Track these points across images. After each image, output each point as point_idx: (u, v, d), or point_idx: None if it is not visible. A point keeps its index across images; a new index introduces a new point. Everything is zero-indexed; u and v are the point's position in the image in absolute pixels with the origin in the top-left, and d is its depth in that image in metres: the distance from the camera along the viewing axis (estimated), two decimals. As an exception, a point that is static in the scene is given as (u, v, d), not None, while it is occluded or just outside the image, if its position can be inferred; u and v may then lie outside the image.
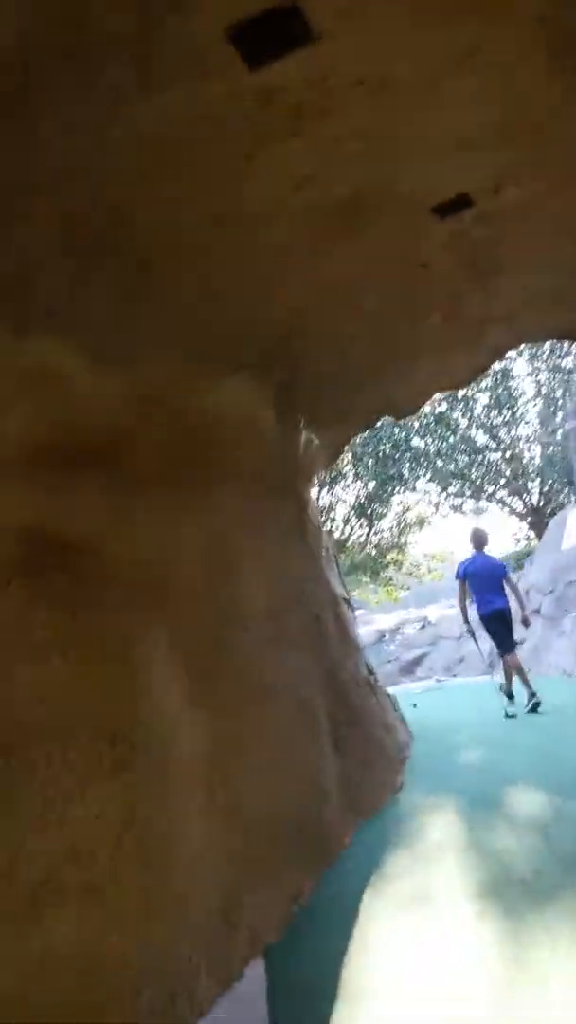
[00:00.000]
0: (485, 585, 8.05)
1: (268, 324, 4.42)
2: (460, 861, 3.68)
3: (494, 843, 3.86)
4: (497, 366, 21.76)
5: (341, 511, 22.87)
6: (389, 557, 22.91)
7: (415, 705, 8.65)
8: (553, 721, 6.80)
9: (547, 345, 21.06)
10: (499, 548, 23.10)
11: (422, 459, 22.37)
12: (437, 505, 24.23)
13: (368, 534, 22.68)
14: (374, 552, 22.68)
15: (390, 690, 9.32)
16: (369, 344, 5.16)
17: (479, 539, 8.35)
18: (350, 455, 20.88)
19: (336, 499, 22.17)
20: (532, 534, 23.71)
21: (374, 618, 26.40)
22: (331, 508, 22.10)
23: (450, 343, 5.73)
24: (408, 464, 22.51)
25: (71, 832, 2.43)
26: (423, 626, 15.82)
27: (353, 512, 21.83)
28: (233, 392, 4.75)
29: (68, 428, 3.61)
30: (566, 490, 22.07)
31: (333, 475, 20.86)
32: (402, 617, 20.94)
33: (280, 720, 4.06)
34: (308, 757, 4.16)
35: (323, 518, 21.41)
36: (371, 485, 21.70)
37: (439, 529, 23.96)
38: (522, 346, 21.37)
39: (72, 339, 3.47)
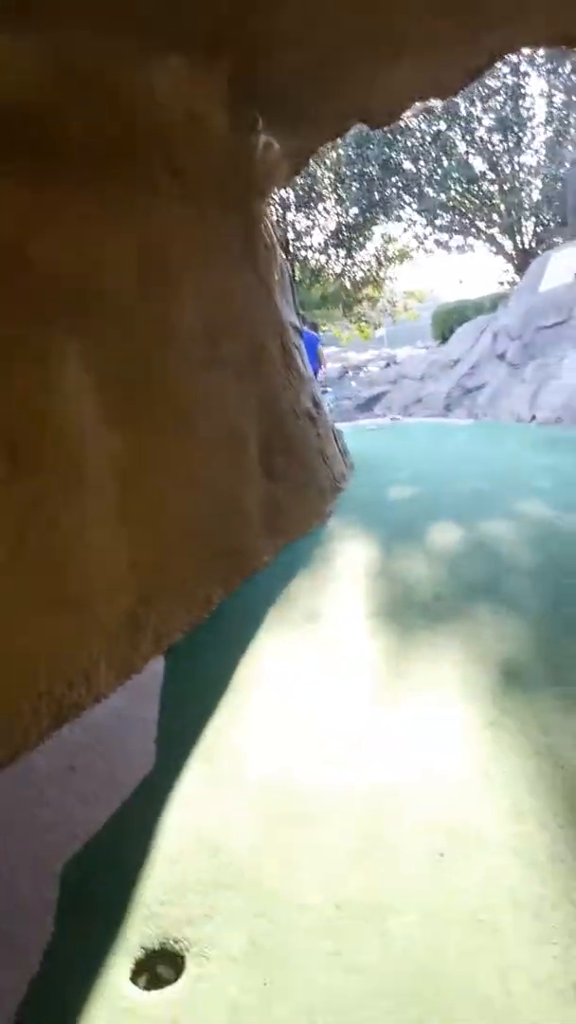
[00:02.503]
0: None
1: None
2: (367, 585, 3.98)
3: (404, 570, 4.15)
4: (510, 79, 19.21)
5: (318, 237, 21.53)
6: (364, 292, 22.05)
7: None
8: (493, 464, 7.02)
9: (569, 64, 18.45)
10: (480, 290, 22.30)
11: (411, 185, 20.52)
12: (422, 239, 22.74)
13: (345, 266, 21.58)
14: (349, 286, 21.77)
15: (343, 426, 9.53)
16: (341, 31, 4.41)
17: None
18: (332, 175, 19.11)
19: (313, 223, 20.72)
20: (518, 278, 22.76)
21: (345, 355, 26.13)
22: (307, 233, 20.74)
23: (435, 38, 4.92)
24: (395, 190, 20.73)
25: None
26: (387, 364, 15.67)
27: (330, 240, 20.52)
28: (172, 77, 4.14)
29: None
30: (560, 234, 20.74)
31: (312, 196, 19.29)
32: (371, 356, 20.67)
33: (205, 442, 4.11)
34: (231, 479, 4.29)
35: (296, 243, 20.17)
36: (353, 211, 20.17)
37: (421, 266, 22.67)
38: (540, 58, 18.71)
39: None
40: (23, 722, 2.56)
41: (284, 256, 6.68)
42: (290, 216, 19.84)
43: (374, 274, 21.69)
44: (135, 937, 1.81)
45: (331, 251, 21.17)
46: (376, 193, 19.48)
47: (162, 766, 2.53)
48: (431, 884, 1.90)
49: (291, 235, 20.11)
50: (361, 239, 21.02)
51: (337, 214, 20.46)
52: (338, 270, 21.56)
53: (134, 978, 1.71)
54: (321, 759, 2.49)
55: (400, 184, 20.11)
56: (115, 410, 3.54)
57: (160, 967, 1.73)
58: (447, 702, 2.75)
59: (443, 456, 7.58)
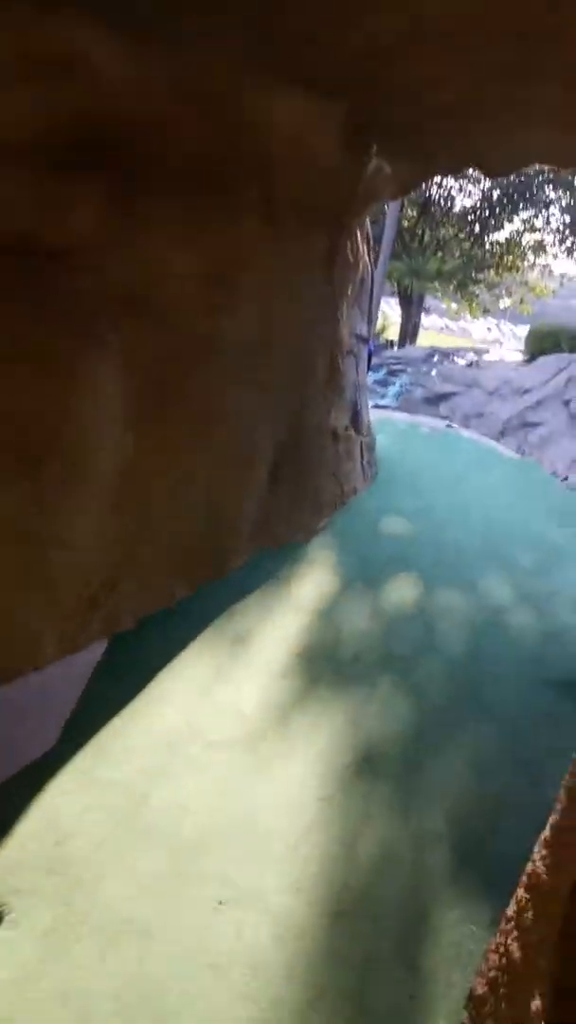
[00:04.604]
0: None
1: (347, 50, 3.87)
2: (305, 622, 4.41)
3: (346, 617, 4.55)
4: None
5: (459, 204, 20.98)
6: (484, 275, 21.57)
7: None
8: (502, 517, 7.20)
9: None
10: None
11: (559, 182, 19.65)
12: (563, 236, 21.90)
13: (474, 244, 21.05)
14: (471, 262, 21.29)
15: (404, 418, 9.73)
16: (470, 89, 4.49)
17: None
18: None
19: (460, 189, 20.13)
20: None
21: (447, 325, 25.65)
22: (447, 198, 20.22)
23: (570, 120, 4.95)
24: (541, 179, 19.88)
25: None
26: (470, 364, 15.54)
27: (468, 213, 19.99)
28: (289, 108, 4.34)
29: (88, 116, 3.47)
30: None
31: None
32: (462, 344, 20.40)
33: (215, 451, 4.51)
34: (230, 488, 4.70)
35: (434, 207, 19.65)
36: (495, 193, 19.52)
37: (549, 263, 21.87)
38: None
39: (106, 18, 3.20)
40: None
41: (368, 266, 6.83)
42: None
43: (500, 259, 21.14)
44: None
45: (465, 226, 20.65)
46: (521, 177, 18.74)
47: (61, 748, 3.08)
48: (205, 926, 2.42)
49: (433, 191, 19.66)
50: (498, 222, 20.41)
51: (481, 191, 19.84)
52: (466, 247, 21.07)
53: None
54: (184, 786, 3.01)
55: (550, 176, 19.25)
56: (137, 413, 3.94)
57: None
58: (297, 764, 3.23)
59: (463, 492, 7.78)
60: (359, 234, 6.31)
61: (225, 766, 3.12)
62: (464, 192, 19.94)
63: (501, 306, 23.68)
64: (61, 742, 3.12)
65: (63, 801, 2.81)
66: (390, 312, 27.25)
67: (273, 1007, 2.13)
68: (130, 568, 3.99)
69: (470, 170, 6.79)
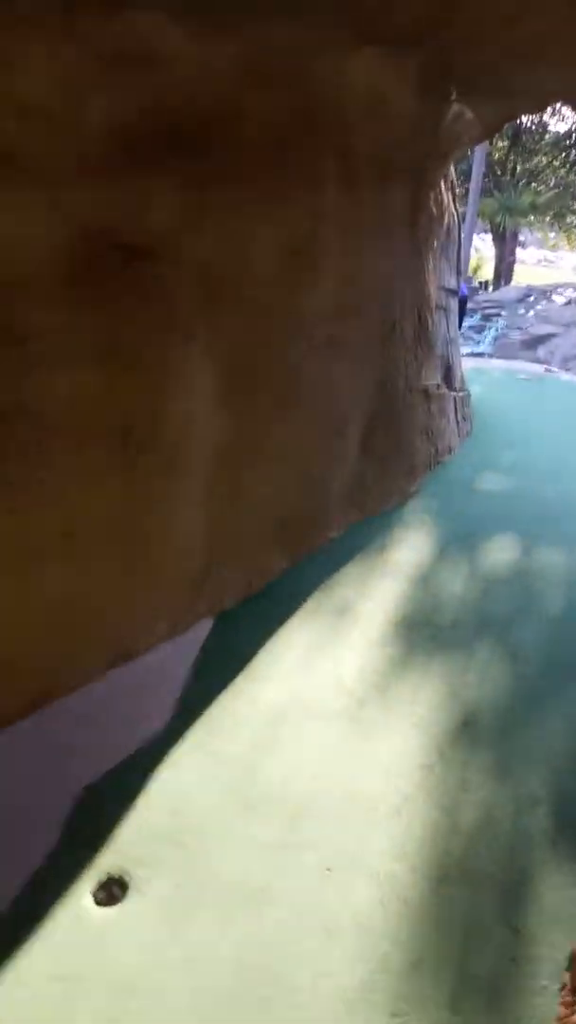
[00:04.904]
0: None
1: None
2: (403, 590, 4.43)
3: (443, 582, 4.54)
4: None
5: (552, 129, 19.70)
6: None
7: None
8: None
9: None
10: None
11: None
12: None
13: (570, 170, 19.76)
14: (567, 190, 20.05)
15: (500, 364, 9.47)
16: (540, 38, 4.25)
17: None
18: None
19: (550, 115, 18.90)
20: None
21: (545, 257, 24.32)
22: (540, 128, 19.02)
23: None
24: None
25: (68, 513, 3.21)
26: (569, 302, 14.72)
27: (561, 141, 18.75)
28: (363, 67, 4.24)
29: (162, 110, 3.50)
30: None
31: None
32: (561, 280, 19.32)
33: (303, 424, 4.55)
34: (321, 459, 4.75)
35: (524, 136, 18.55)
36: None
37: None
38: None
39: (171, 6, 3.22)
40: (85, 662, 3.38)
41: (455, 215, 6.61)
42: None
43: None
44: (104, 864, 2.61)
45: (560, 152, 19.41)
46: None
47: (174, 725, 3.27)
48: (315, 890, 2.58)
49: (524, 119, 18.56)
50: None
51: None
52: (562, 174, 19.84)
53: (95, 892, 2.52)
54: (290, 757, 3.16)
55: None
56: (226, 394, 4.04)
57: (115, 888, 2.54)
58: (398, 733, 3.32)
59: (565, 442, 7.49)
60: (443, 184, 6.10)
61: (328, 736, 3.25)
62: (558, 115, 18.70)
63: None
64: (175, 718, 3.32)
65: (179, 774, 3.00)
66: (484, 249, 26.10)
67: (382, 968, 2.25)
68: (230, 549, 4.13)
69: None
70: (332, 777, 3.03)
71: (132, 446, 3.44)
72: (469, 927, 2.42)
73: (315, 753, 3.16)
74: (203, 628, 3.93)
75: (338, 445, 4.88)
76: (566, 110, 18.55)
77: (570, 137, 18.79)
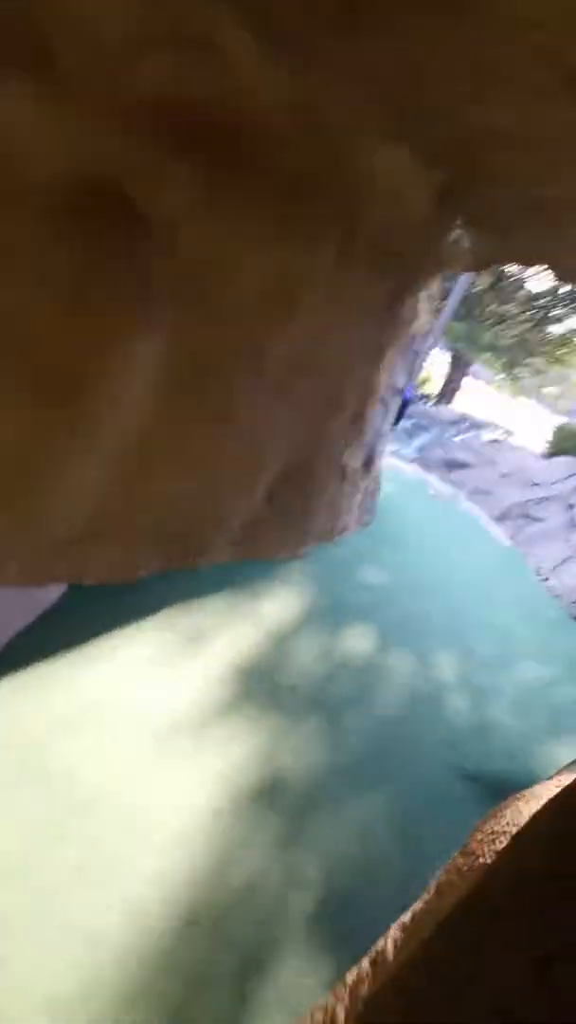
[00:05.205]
0: None
1: (461, 127, 4.02)
2: (269, 637, 4.55)
3: (288, 664, 4.59)
4: None
5: (531, 286, 21.21)
6: (532, 361, 21.85)
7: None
8: (471, 618, 7.29)
9: None
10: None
11: None
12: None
13: (532, 331, 21.30)
14: (524, 344, 21.55)
15: (413, 474, 9.86)
16: (559, 201, 4.66)
17: None
18: None
19: (526, 276, 20.39)
20: None
21: (487, 393, 25.85)
22: (517, 280, 20.46)
23: None
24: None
25: None
26: (493, 441, 15.73)
27: (532, 299, 20.24)
28: (394, 161, 4.48)
29: (205, 100, 3.57)
30: None
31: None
32: (493, 418, 20.66)
33: (227, 448, 4.58)
34: (231, 485, 4.76)
35: (507, 278, 19.89)
36: (561, 290, 19.81)
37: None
38: None
39: (247, 15, 3.30)
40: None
41: (425, 325, 6.98)
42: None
43: (553, 350, 21.41)
44: None
45: (529, 309, 20.90)
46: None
47: None
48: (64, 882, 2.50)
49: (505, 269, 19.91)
50: (560, 315, 20.68)
51: (552, 280, 20.11)
52: (524, 329, 21.32)
53: None
54: (87, 750, 3.10)
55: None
56: (166, 388, 4.00)
57: None
58: (201, 772, 3.33)
59: (446, 562, 7.81)
60: (424, 293, 6.46)
61: (134, 746, 3.21)
62: (537, 276, 20.24)
63: (543, 392, 24.00)
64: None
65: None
66: (437, 365, 27.51)
67: (93, 981, 2.21)
68: (113, 528, 4.08)
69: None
70: (123, 786, 2.99)
71: (57, 389, 3.39)
72: (201, 976, 2.41)
73: (116, 757, 3.12)
74: (52, 593, 3.82)
75: (248, 481, 4.94)
76: (546, 274, 20.14)
77: (539, 299, 20.29)
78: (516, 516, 11.21)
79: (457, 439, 15.45)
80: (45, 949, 2.23)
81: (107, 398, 3.69)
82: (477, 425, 17.18)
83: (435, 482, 12.03)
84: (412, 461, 12.94)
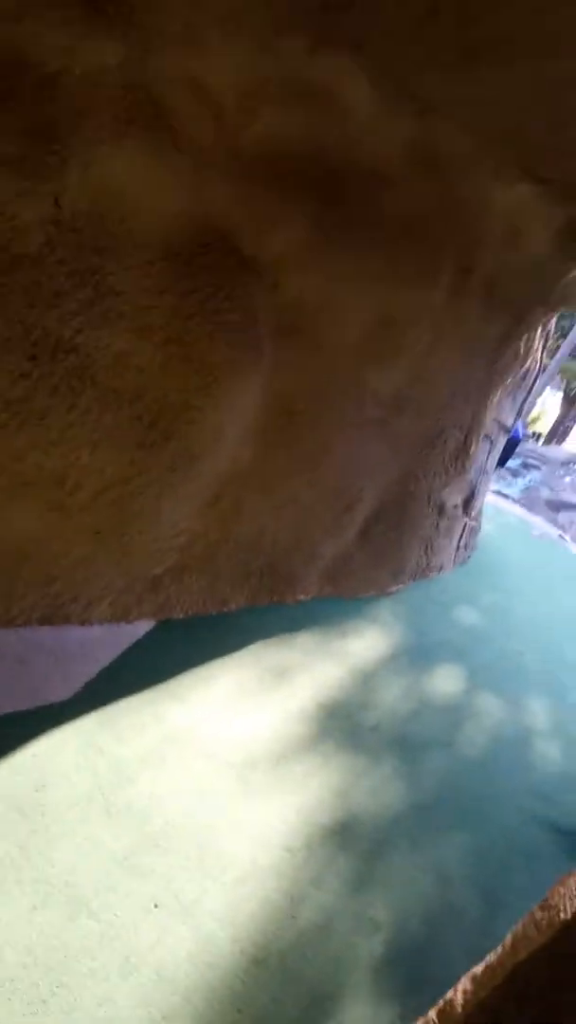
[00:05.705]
0: None
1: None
2: (332, 696, 4.37)
3: (373, 703, 4.49)
4: None
5: None
6: None
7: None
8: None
9: None
10: None
11: None
12: None
13: None
14: None
15: (515, 518, 9.60)
16: None
17: None
18: None
19: None
20: None
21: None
22: None
23: None
24: None
25: (72, 462, 3.32)
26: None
27: None
28: (513, 200, 4.42)
29: (320, 149, 3.66)
30: None
31: None
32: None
33: (319, 486, 4.60)
34: (322, 524, 4.79)
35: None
36: None
37: None
38: None
39: (364, 65, 3.35)
40: (24, 600, 3.41)
41: (538, 362, 6.81)
42: None
43: None
44: None
45: None
46: None
47: (73, 703, 3.29)
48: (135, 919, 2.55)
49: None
50: None
51: None
52: None
53: None
54: (169, 782, 3.15)
55: None
56: (264, 429, 4.08)
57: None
58: (276, 808, 3.30)
59: (547, 607, 7.47)
60: (539, 330, 6.31)
61: (212, 781, 3.23)
62: None
63: None
64: (76, 699, 3.31)
65: (57, 753, 2.99)
66: (551, 404, 26.72)
67: (166, 1018, 2.22)
68: (203, 564, 4.17)
69: None
70: (198, 820, 3.00)
71: (158, 428, 3.51)
72: (266, 1017, 2.38)
73: (193, 790, 3.14)
74: (141, 628, 3.93)
75: (342, 519, 4.94)
76: None
77: None
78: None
79: (566, 479, 14.90)
80: (110, 983, 2.26)
81: (208, 437, 3.78)
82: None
83: (540, 522, 11.61)
84: (517, 501, 12.58)
